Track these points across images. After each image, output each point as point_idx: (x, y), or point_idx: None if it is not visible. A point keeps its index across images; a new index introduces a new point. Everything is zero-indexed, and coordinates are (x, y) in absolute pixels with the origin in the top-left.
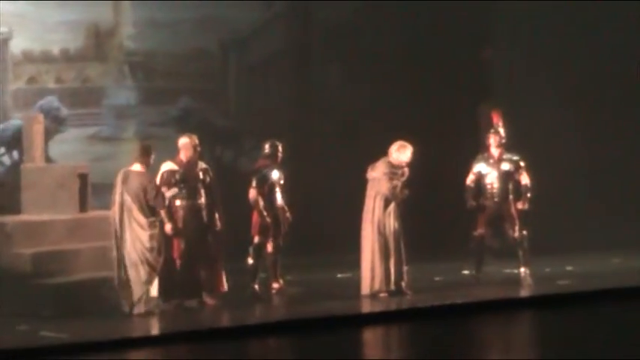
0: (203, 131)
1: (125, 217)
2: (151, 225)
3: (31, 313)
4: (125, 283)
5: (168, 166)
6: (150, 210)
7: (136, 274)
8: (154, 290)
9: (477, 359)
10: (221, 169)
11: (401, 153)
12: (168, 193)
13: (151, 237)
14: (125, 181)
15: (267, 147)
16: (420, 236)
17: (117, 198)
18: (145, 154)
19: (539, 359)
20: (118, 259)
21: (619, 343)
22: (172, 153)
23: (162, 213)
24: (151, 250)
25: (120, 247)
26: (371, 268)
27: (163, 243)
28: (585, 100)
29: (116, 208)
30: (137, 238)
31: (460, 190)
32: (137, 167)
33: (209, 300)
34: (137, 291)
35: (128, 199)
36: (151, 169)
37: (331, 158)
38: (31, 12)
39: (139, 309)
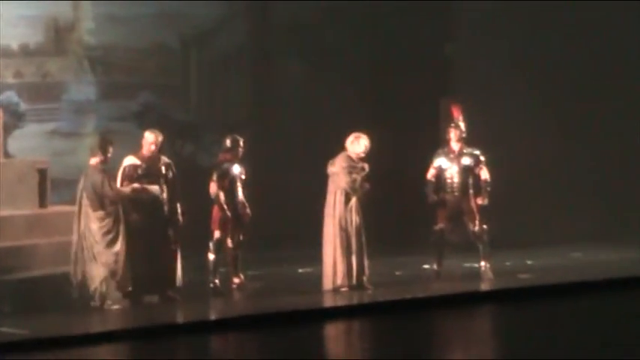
0: (163, 126)
1: (82, 211)
2: (101, 218)
3: None
4: (82, 278)
5: (130, 160)
6: (101, 203)
7: (89, 268)
8: (113, 285)
9: (438, 354)
10: (181, 164)
11: (355, 145)
12: (127, 189)
13: (101, 230)
14: (85, 175)
15: (228, 142)
16: (381, 230)
17: (77, 193)
18: (101, 147)
19: (499, 353)
20: (74, 253)
21: (579, 336)
22: (132, 148)
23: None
24: (100, 243)
25: (77, 242)
26: (333, 264)
27: (118, 237)
28: (545, 94)
29: (76, 202)
30: (89, 230)
31: (420, 184)
32: (93, 160)
33: (169, 295)
34: (91, 285)
35: (84, 193)
36: (112, 163)
37: (292, 153)
38: None
39: (95, 303)
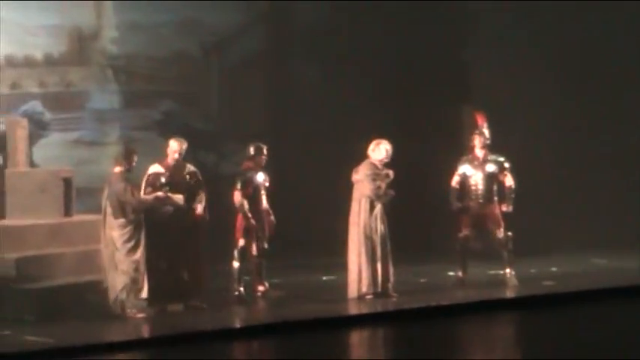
0: (185, 134)
1: (106, 219)
2: (122, 226)
3: (15, 318)
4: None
5: (155, 168)
6: (123, 211)
7: (111, 276)
8: (139, 294)
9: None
10: (203, 172)
11: (377, 151)
12: (151, 197)
13: (122, 237)
14: (109, 183)
15: (252, 149)
16: (405, 238)
17: (103, 203)
18: (125, 156)
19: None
20: (104, 262)
21: (603, 343)
22: (155, 156)
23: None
24: (121, 250)
25: (104, 250)
26: (358, 271)
27: (139, 245)
28: (568, 100)
29: (102, 211)
30: (110, 239)
31: (445, 191)
32: (117, 169)
33: (193, 303)
34: (112, 293)
35: (108, 201)
36: (136, 172)
37: (313, 159)
38: (13, 16)
39: (116, 311)
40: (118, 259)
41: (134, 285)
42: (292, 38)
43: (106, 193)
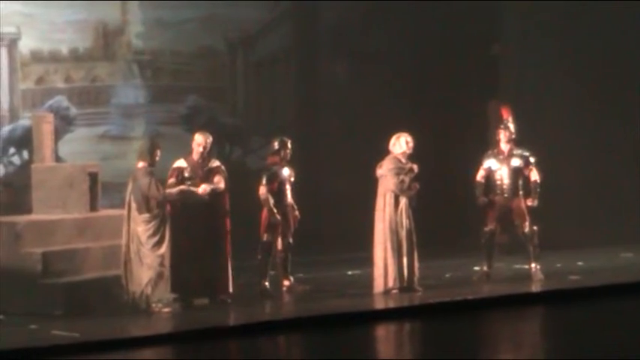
0: (211, 129)
1: (130, 214)
2: (147, 220)
3: (42, 313)
4: (130, 281)
5: (180, 163)
6: (147, 206)
7: (136, 271)
8: (165, 288)
9: (489, 355)
10: (230, 167)
11: (397, 145)
12: (175, 190)
13: (147, 232)
14: (134, 179)
15: (275, 144)
16: (431, 233)
17: (126, 196)
18: (149, 151)
19: (550, 355)
20: (124, 255)
21: (630, 337)
22: (181, 151)
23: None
24: (146, 245)
25: (126, 245)
26: (384, 266)
27: (164, 239)
28: (595, 95)
29: (125, 206)
30: (135, 234)
31: (470, 186)
32: (140, 164)
33: (220, 298)
34: (138, 288)
35: (132, 196)
36: (161, 166)
37: (340, 155)
38: (40, 12)
39: (142, 306)
40: (143, 254)
41: (159, 279)
42: (318, 35)
43: (129, 187)
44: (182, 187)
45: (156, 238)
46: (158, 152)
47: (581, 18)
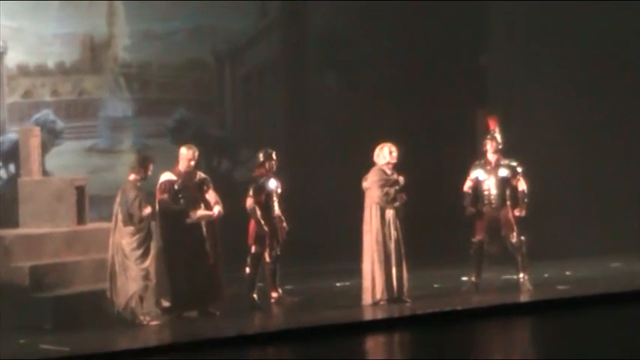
0: (199, 142)
1: (117, 226)
2: (132, 233)
3: (31, 326)
4: (115, 294)
5: (166, 176)
6: (132, 219)
7: (121, 283)
8: (152, 301)
9: None
10: (217, 179)
11: (380, 156)
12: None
13: (131, 245)
14: (123, 190)
15: (260, 155)
16: (419, 243)
17: (114, 209)
18: (139, 165)
19: None
20: (110, 268)
21: (619, 347)
22: (169, 164)
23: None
24: (130, 258)
25: (112, 257)
26: (371, 278)
27: (148, 252)
28: (582, 104)
29: (112, 219)
30: (119, 246)
31: (458, 196)
32: (131, 177)
33: (209, 310)
34: (122, 301)
35: (119, 208)
36: (150, 180)
37: (328, 166)
38: (26, 25)
39: (127, 319)
40: (128, 267)
41: (144, 293)
42: (306, 46)
43: (118, 199)
44: (201, 212)
45: (140, 251)
46: (151, 166)
47: (569, 27)
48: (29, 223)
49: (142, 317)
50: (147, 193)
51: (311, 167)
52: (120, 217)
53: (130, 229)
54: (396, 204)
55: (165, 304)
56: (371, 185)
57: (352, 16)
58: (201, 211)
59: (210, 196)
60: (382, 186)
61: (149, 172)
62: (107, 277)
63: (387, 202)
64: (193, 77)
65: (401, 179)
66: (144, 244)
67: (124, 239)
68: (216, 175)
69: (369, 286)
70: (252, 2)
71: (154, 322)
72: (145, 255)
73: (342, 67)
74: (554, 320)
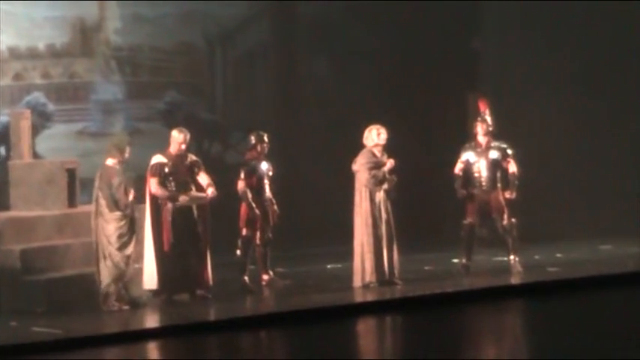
0: (190, 125)
1: (98, 210)
2: (118, 219)
3: (23, 310)
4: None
5: (157, 159)
6: (115, 204)
7: (103, 268)
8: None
9: (469, 348)
10: (208, 163)
11: (368, 139)
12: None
13: (117, 231)
14: (101, 176)
15: (252, 138)
16: (410, 226)
17: (94, 193)
18: (118, 148)
19: (529, 347)
20: (95, 253)
21: (609, 329)
22: (159, 147)
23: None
24: (114, 244)
25: (96, 242)
26: (361, 261)
27: (132, 239)
28: (573, 88)
29: (93, 203)
30: (102, 232)
31: (448, 179)
32: (109, 161)
33: (200, 293)
34: (103, 285)
35: (100, 193)
36: (142, 163)
37: (319, 150)
38: (17, 9)
39: (107, 304)
40: (110, 252)
41: (121, 279)
42: (297, 30)
43: (97, 183)
44: (192, 193)
45: (125, 238)
46: (128, 149)
47: (562, 10)
48: (20, 206)
49: (114, 303)
50: (127, 180)
51: (302, 150)
52: (103, 202)
53: (117, 214)
54: (385, 186)
55: (154, 287)
56: (359, 168)
57: (343, 1)
58: (194, 193)
59: (202, 178)
60: (370, 168)
61: (127, 155)
62: (94, 261)
63: (374, 184)
64: (184, 61)
65: (390, 161)
66: (130, 230)
67: (110, 224)
68: (207, 158)
69: (359, 268)
70: None
71: (124, 308)
72: (128, 241)
73: (332, 51)
74: (545, 302)
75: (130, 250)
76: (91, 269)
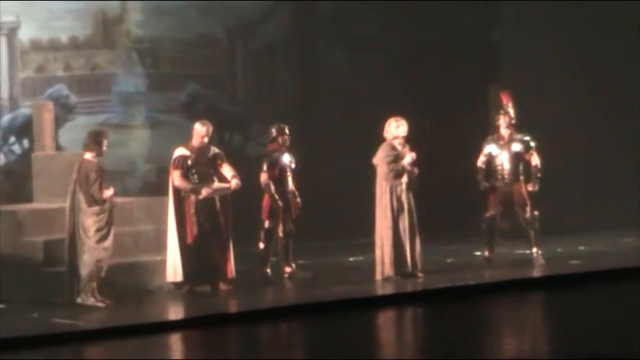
0: (210, 117)
1: (75, 204)
2: (96, 213)
3: (44, 301)
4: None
5: (180, 151)
6: (93, 198)
7: (80, 262)
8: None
9: (490, 340)
10: (229, 155)
11: (388, 132)
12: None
13: (95, 225)
14: (79, 169)
15: (273, 130)
16: (432, 218)
17: (70, 187)
18: (95, 141)
19: (551, 340)
20: (68, 247)
21: (631, 322)
22: (180, 139)
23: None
24: (92, 238)
25: (71, 236)
26: (382, 254)
27: (110, 232)
28: (594, 80)
29: (69, 197)
30: (82, 225)
31: (471, 171)
32: (87, 155)
33: (222, 285)
34: (82, 279)
35: (78, 187)
36: (165, 155)
37: (340, 141)
38: (38, 1)
39: (83, 299)
40: (88, 247)
41: (98, 273)
42: (317, 21)
43: (74, 176)
44: (215, 185)
45: (103, 232)
46: (105, 141)
47: (579, 3)
48: (42, 198)
49: (93, 299)
50: (104, 177)
51: (323, 142)
52: (81, 197)
53: (95, 209)
54: (404, 179)
55: (177, 279)
56: (379, 161)
57: None
58: (216, 184)
59: (226, 169)
60: (389, 162)
61: (104, 148)
62: (66, 255)
63: (394, 177)
64: (205, 52)
65: (411, 155)
66: (107, 224)
67: (89, 218)
68: (227, 149)
69: (379, 261)
70: None
71: (100, 304)
72: (107, 235)
73: (352, 42)
74: (567, 295)
75: (108, 242)
76: (113, 261)
